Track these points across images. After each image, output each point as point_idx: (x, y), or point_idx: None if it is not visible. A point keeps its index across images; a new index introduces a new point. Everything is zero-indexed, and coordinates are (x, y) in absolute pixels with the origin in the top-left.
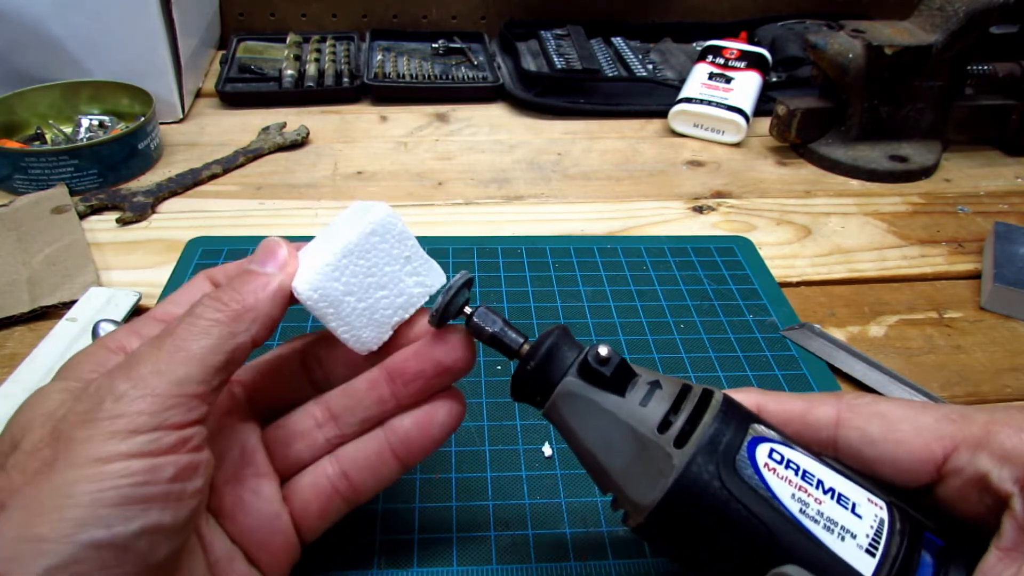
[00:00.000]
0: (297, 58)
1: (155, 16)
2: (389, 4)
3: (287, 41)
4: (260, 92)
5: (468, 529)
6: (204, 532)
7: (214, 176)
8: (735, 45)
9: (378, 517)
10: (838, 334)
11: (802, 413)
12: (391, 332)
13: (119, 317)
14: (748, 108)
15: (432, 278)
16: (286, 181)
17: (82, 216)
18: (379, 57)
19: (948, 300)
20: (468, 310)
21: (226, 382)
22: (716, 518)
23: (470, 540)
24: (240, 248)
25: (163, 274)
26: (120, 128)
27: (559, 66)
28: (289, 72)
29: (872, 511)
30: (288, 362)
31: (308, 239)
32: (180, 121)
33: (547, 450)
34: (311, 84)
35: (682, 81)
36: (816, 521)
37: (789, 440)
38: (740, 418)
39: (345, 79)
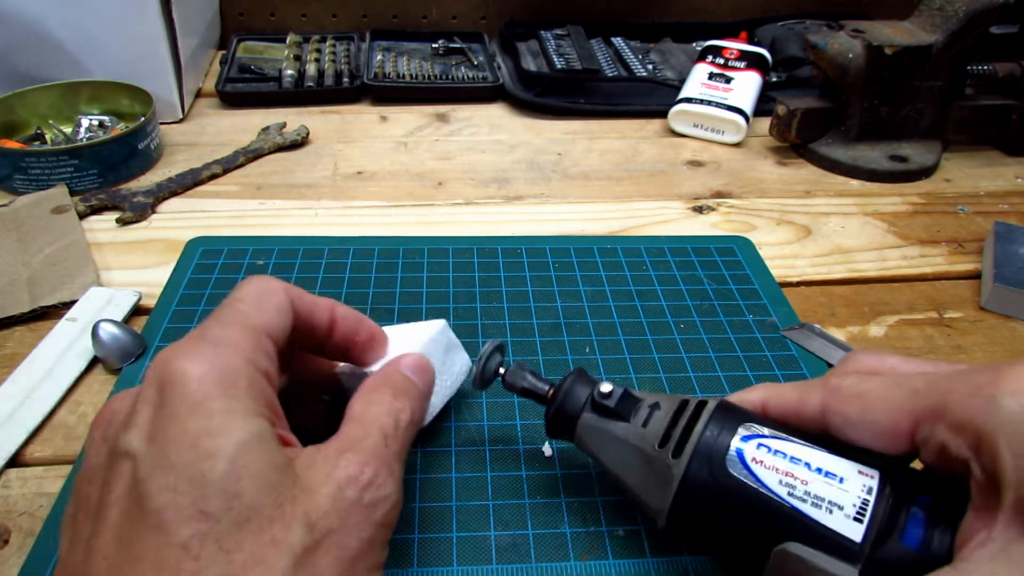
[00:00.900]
0: (297, 58)
1: (155, 16)
2: (389, 4)
3: (287, 41)
4: (260, 92)
5: (468, 529)
6: None
7: (214, 176)
8: (735, 45)
9: None
10: (838, 334)
11: (796, 407)
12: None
13: (119, 317)
14: (748, 108)
15: (461, 364)
16: (286, 181)
17: (82, 216)
18: (379, 57)
19: (948, 300)
20: (502, 371)
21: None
22: (718, 511)
23: (470, 540)
24: (240, 248)
25: (163, 274)
26: (120, 128)
27: (559, 66)
28: (289, 72)
29: (861, 481)
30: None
31: (308, 239)
32: (180, 121)
33: (547, 450)
34: (311, 84)
35: (682, 81)
36: (804, 500)
37: (781, 431)
38: (730, 420)
39: (345, 79)
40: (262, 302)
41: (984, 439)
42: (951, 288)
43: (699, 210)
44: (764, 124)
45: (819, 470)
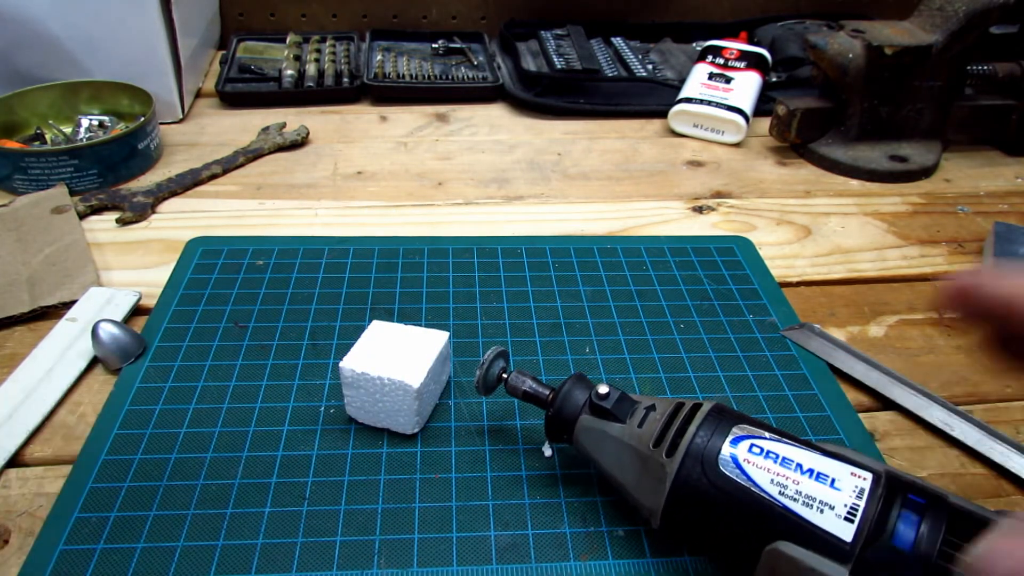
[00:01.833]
0: (297, 58)
1: (155, 16)
2: (389, 4)
3: (287, 41)
4: (260, 92)
5: (468, 529)
6: None
7: (214, 176)
8: (735, 45)
9: (378, 517)
10: (838, 334)
11: None
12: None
13: (119, 317)
14: (748, 108)
15: (447, 374)
16: (286, 181)
17: (82, 216)
18: (379, 57)
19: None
20: (505, 376)
21: None
22: (711, 509)
23: (470, 540)
24: (240, 248)
25: (163, 274)
26: (120, 128)
27: (559, 66)
28: (289, 72)
29: (853, 483)
30: None
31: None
32: (180, 121)
33: (547, 450)
34: (311, 84)
35: (682, 81)
36: (795, 499)
37: (773, 432)
38: (724, 422)
39: (345, 79)
40: None
41: None
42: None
43: (699, 210)
44: (764, 124)
45: (811, 471)
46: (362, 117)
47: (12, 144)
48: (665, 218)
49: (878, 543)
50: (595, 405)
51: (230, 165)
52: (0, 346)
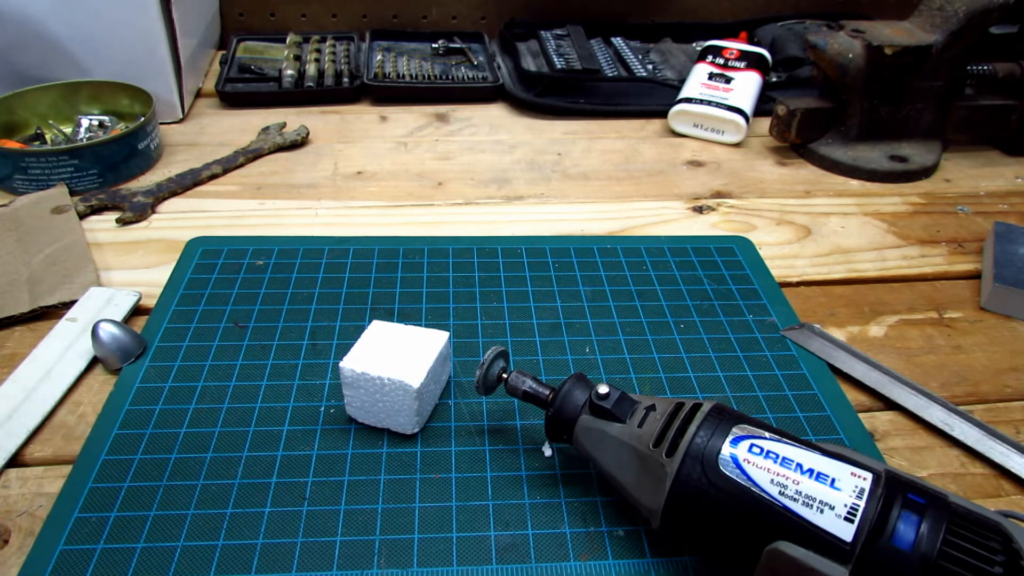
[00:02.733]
0: (297, 58)
1: (155, 16)
2: (389, 4)
3: (287, 41)
4: (260, 92)
5: (468, 529)
6: None
7: (214, 176)
8: (735, 45)
9: (378, 517)
10: (838, 334)
11: None
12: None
13: (119, 317)
14: (748, 108)
15: (447, 373)
16: (286, 181)
17: (82, 216)
18: (379, 57)
19: (948, 300)
20: (505, 376)
21: None
22: (711, 509)
23: (470, 540)
24: (240, 248)
25: (163, 274)
26: (120, 128)
27: (559, 66)
28: (289, 72)
29: (853, 483)
30: None
31: (308, 239)
32: (180, 121)
33: (547, 450)
34: (311, 84)
35: (682, 81)
36: (795, 499)
37: (773, 432)
38: (724, 422)
39: (345, 79)
40: None
41: None
42: (951, 288)
43: (699, 210)
44: (764, 124)
45: (811, 471)
46: (362, 117)
47: (12, 144)
48: (665, 218)
49: (878, 543)
50: (595, 405)
51: (230, 165)
52: (0, 346)
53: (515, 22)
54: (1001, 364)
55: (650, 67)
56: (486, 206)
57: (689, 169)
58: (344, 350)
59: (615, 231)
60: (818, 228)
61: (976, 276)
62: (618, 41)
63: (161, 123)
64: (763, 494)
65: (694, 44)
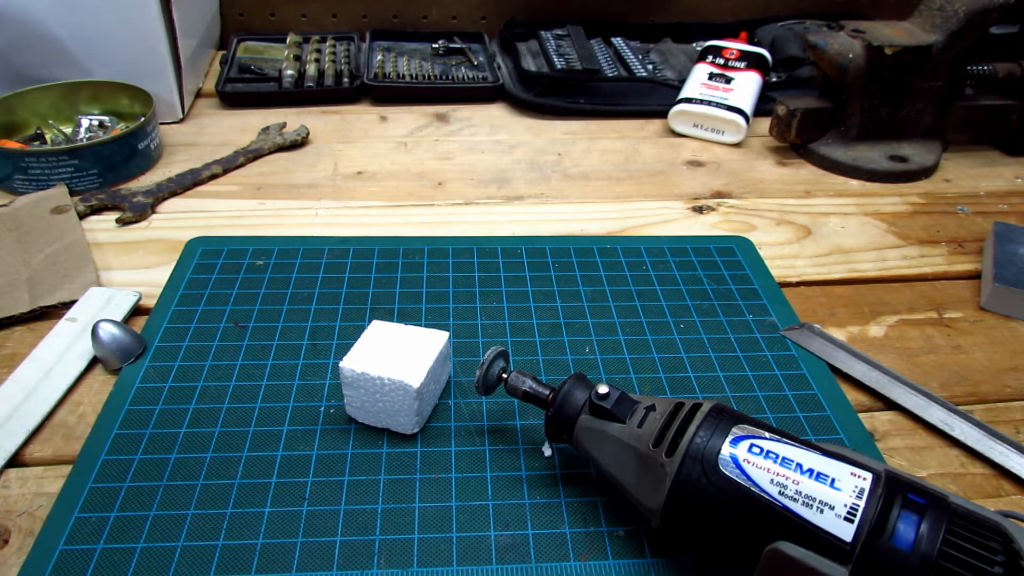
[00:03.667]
0: (297, 58)
1: (155, 16)
2: (389, 4)
3: (287, 41)
4: (260, 92)
5: (468, 529)
6: None
7: (214, 176)
8: (735, 45)
9: (378, 517)
10: (838, 334)
11: None
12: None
13: (119, 317)
14: (748, 108)
15: (447, 373)
16: (286, 181)
17: (82, 216)
18: (379, 57)
19: (948, 300)
20: (505, 376)
21: None
22: (711, 509)
23: (470, 540)
24: (240, 248)
25: (163, 274)
26: (120, 128)
27: (559, 66)
28: (289, 72)
29: (852, 483)
30: None
31: (308, 239)
32: (180, 121)
33: (547, 450)
34: (311, 84)
35: (682, 81)
36: (795, 499)
37: (773, 432)
38: (724, 422)
39: (345, 79)
40: None
41: None
42: (951, 288)
43: (699, 210)
44: (764, 124)
45: (811, 471)
46: (362, 117)
47: (12, 144)
48: (665, 218)
49: (878, 543)
50: (595, 405)
51: (230, 165)
52: (0, 346)
53: (515, 22)
54: (1001, 364)
55: (650, 67)
56: (486, 206)
57: (689, 169)
58: (344, 350)
59: (615, 231)
60: (818, 228)
61: (976, 276)
62: (618, 41)
63: (161, 123)
64: (763, 494)
65: (694, 44)
